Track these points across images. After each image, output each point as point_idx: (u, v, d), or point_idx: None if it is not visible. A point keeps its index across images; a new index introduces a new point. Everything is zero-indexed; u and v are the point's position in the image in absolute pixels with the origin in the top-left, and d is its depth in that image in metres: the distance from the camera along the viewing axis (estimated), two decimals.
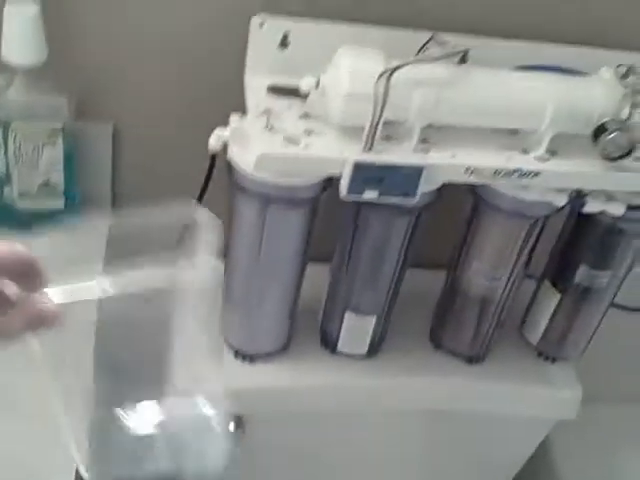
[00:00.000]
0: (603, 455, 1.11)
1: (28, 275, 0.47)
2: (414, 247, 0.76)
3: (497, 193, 0.72)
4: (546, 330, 0.86)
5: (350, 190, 0.63)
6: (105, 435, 0.61)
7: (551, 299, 0.84)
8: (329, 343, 0.82)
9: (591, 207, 0.71)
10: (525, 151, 0.69)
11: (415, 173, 0.62)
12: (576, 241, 0.81)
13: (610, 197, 0.71)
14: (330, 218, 0.75)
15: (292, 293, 0.77)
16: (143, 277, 0.48)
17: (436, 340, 0.86)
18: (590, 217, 0.77)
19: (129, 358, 0.68)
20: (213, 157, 0.72)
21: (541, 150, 0.69)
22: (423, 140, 0.67)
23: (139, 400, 0.61)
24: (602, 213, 0.73)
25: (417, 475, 0.97)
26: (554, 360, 0.88)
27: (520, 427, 0.89)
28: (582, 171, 0.68)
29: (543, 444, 1.09)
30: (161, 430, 0.61)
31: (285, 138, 0.65)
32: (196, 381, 0.61)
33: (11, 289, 0.46)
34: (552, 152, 0.69)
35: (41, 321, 0.47)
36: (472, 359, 0.85)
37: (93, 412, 0.61)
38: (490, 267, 0.78)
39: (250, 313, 0.77)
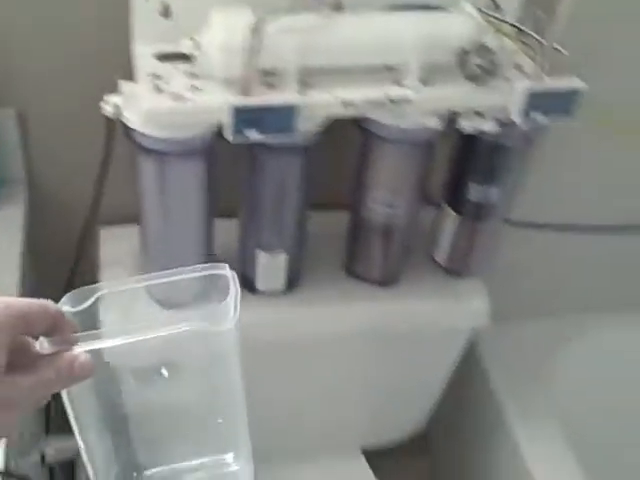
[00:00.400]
0: (530, 363, 1.19)
1: (57, 330, 0.49)
2: (314, 185, 0.83)
3: (380, 125, 0.78)
4: (451, 249, 0.93)
5: (234, 133, 0.68)
6: None
7: (450, 220, 0.91)
8: (248, 284, 0.88)
9: (465, 126, 0.78)
10: (398, 83, 0.75)
11: (290, 111, 0.68)
12: (464, 162, 0.88)
13: (480, 115, 0.78)
14: (235, 169, 0.81)
15: (205, 243, 0.83)
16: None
17: (350, 270, 0.92)
18: (473, 138, 0.84)
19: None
20: (110, 125, 0.77)
21: (413, 80, 0.75)
22: (303, 84, 0.73)
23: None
24: (479, 132, 0.80)
25: (351, 397, 1.04)
26: (462, 276, 0.95)
27: (440, 339, 0.96)
28: (450, 93, 0.75)
29: (473, 359, 1.18)
30: None
31: (172, 95, 0.70)
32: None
33: (43, 345, 0.48)
34: (424, 81, 0.75)
35: (73, 373, 0.48)
36: (385, 283, 0.92)
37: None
38: (387, 195, 0.84)
39: (167, 266, 0.83)
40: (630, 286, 1.26)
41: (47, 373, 0.47)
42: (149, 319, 0.50)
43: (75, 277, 0.94)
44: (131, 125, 0.71)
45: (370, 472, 1.10)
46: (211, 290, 0.57)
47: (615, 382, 1.28)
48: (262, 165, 0.78)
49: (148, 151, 0.73)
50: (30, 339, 0.48)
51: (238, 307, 0.54)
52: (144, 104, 0.68)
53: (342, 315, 0.90)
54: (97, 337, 0.49)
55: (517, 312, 1.23)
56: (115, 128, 0.77)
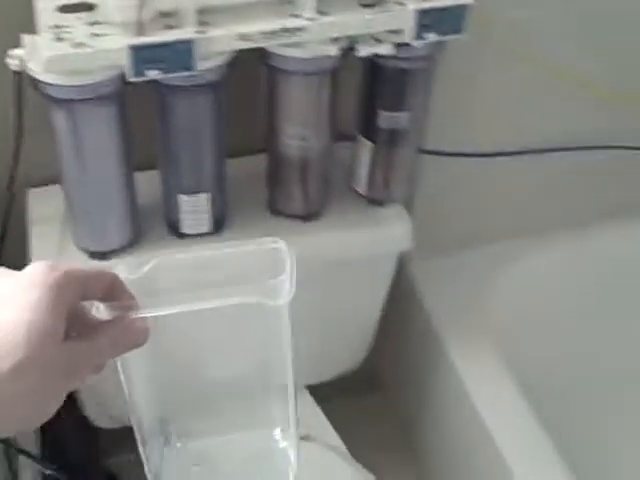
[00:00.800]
0: (465, 291, 1.24)
1: (114, 296, 0.49)
2: (230, 126, 0.85)
3: (282, 57, 0.80)
4: (369, 178, 0.96)
5: (134, 73, 0.71)
6: None
7: (365, 149, 0.94)
8: (174, 228, 0.90)
9: (362, 52, 0.81)
10: (296, 15, 0.78)
11: (187, 47, 0.71)
12: (371, 91, 0.91)
13: (377, 39, 0.81)
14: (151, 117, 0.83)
15: (127, 193, 0.85)
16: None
17: (273, 208, 0.95)
18: (378, 66, 0.87)
19: None
20: (19, 81, 0.78)
21: (309, 10, 0.78)
22: (202, 23, 0.75)
23: None
24: (376, 56, 0.83)
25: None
26: (383, 204, 0.98)
27: (368, 267, 0.99)
28: (344, 20, 0.78)
29: (410, 293, 1.22)
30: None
31: (72, 43, 0.72)
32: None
33: (100, 310, 0.48)
34: (322, 12, 0.78)
35: (130, 339, 0.49)
36: (308, 217, 0.95)
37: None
38: (298, 129, 0.87)
39: (91, 216, 0.85)
40: (554, 208, 1.31)
41: (103, 340, 0.47)
42: (204, 290, 0.50)
43: (5, 241, 0.95)
44: (36, 76, 0.73)
45: (318, 409, 1.13)
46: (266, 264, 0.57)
47: (549, 303, 1.34)
48: (171, 107, 0.80)
49: (57, 101, 0.75)
50: (86, 305, 0.49)
51: (294, 281, 0.54)
52: (45, 53, 0.70)
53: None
54: (152, 305, 0.49)
55: (449, 243, 1.27)
56: (23, 84, 0.78)
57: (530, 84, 1.13)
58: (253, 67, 0.82)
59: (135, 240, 0.89)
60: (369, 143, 0.94)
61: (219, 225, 0.91)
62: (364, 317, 1.09)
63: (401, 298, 1.18)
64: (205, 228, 0.90)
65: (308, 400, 1.13)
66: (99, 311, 0.49)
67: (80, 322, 0.48)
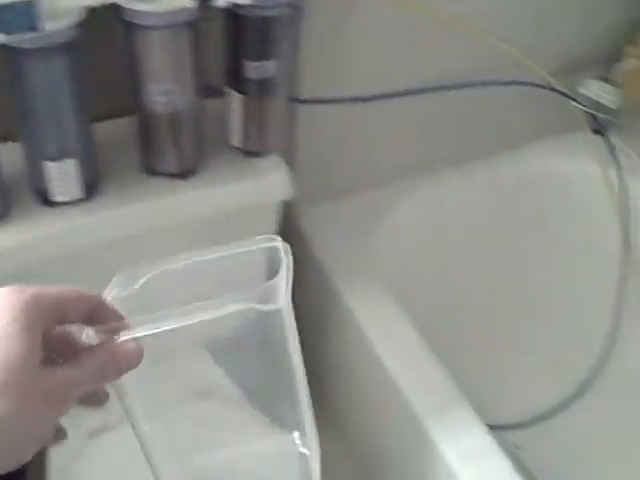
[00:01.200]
0: (356, 235, 1.25)
1: (98, 316, 0.46)
2: (91, 88, 0.82)
3: (137, 12, 0.78)
4: (243, 131, 0.96)
5: None
6: None
7: (236, 102, 0.93)
8: (44, 198, 0.87)
9: (221, 0, 0.80)
10: None
11: (28, 6, 0.67)
12: (236, 42, 0.89)
13: None
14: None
15: None
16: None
17: (148, 168, 0.93)
18: (241, 16, 0.86)
19: None
20: None
21: None
22: None
23: None
24: (240, 7, 0.82)
25: None
26: (261, 156, 0.98)
27: (250, 218, 0.97)
28: None
29: (301, 246, 1.23)
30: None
31: None
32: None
33: (89, 335, 0.45)
34: None
35: (121, 362, 0.45)
36: (185, 175, 0.93)
37: None
38: (162, 85, 0.85)
39: None
40: (435, 147, 1.33)
41: (89, 364, 0.45)
42: (197, 300, 0.48)
43: None
44: None
45: (215, 365, 1.13)
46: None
47: (437, 240, 1.38)
48: (25, 72, 0.77)
49: None
50: (75, 330, 0.46)
51: (290, 283, 0.50)
52: None
53: (147, 213, 0.91)
54: (143, 323, 0.46)
55: (335, 190, 1.28)
56: None
57: (404, 24, 1.14)
58: (110, 26, 0.79)
59: (4, 214, 0.86)
60: (239, 95, 0.92)
61: (91, 191, 0.89)
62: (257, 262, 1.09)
63: (291, 249, 1.18)
64: (76, 194, 0.87)
65: (205, 355, 1.13)
66: (88, 337, 0.46)
67: (69, 348, 0.46)
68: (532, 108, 1.37)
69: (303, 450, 0.63)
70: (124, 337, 0.45)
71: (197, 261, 0.53)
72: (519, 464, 0.99)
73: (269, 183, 0.96)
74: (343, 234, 1.24)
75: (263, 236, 0.54)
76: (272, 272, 0.51)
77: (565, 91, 1.34)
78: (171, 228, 0.94)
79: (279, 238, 0.54)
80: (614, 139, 1.39)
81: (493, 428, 1.02)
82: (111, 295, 0.49)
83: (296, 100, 1.02)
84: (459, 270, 1.40)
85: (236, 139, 0.96)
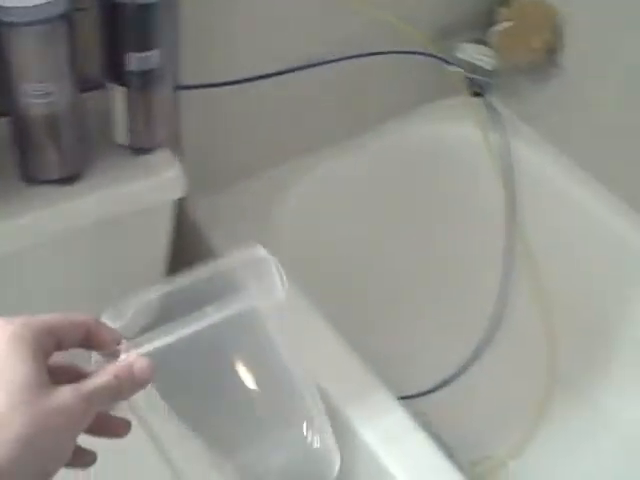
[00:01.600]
0: (253, 221, 1.21)
1: (96, 338, 0.46)
2: None
3: (3, 9, 0.70)
4: (129, 127, 0.89)
5: None
6: None
7: (119, 96, 0.86)
8: None
9: None
10: None
11: None
12: (115, 32, 0.82)
13: None
14: None
15: None
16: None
17: (28, 177, 0.85)
18: (116, 5, 0.79)
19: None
20: None
21: None
22: None
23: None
24: None
25: (77, 293, 0.98)
26: (150, 152, 0.92)
27: (145, 220, 0.92)
28: None
29: (197, 238, 1.18)
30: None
31: None
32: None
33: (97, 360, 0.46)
34: None
35: (134, 379, 0.46)
36: (70, 180, 0.86)
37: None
38: (38, 84, 0.77)
39: None
40: (320, 123, 1.31)
41: (104, 380, 0.45)
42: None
43: None
44: None
45: None
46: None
47: (338, 217, 1.36)
48: None
49: None
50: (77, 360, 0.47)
51: (285, 279, 0.52)
52: None
53: (29, 226, 0.83)
54: (150, 340, 0.47)
55: (228, 176, 1.23)
56: None
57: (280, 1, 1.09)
58: None
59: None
60: (122, 89, 0.85)
61: None
62: (149, 271, 1.03)
63: (188, 245, 1.13)
64: None
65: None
66: (97, 362, 0.47)
67: (67, 378, 0.45)
68: (413, 76, 1.37)
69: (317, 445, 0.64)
70: (132, 355, 0.47)
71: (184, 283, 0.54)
72: (434, 436, 1.00)
73: (162, 181, 0.90)
74: (239, 222, 1.19)
75: (244, 248, 0.56)
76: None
77: (443, 56, 1.34)
78: (56, 239, 0.86)
79: (260, 246, 0.56)
80: (493, 100, 1.41)
81: (403, 399, 1.03)
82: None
83: (182, 87, 0.95)
84: (358, 244, 1.39)
85: (122, 136, 0.90)
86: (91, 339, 0.47)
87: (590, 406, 1.34)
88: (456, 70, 1.36)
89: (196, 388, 0.60)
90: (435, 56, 1.33)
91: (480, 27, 1.37)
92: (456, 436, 1.21)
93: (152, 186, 0.90)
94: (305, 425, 0.64)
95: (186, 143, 1.06)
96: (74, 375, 0.46)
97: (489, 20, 1.36)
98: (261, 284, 0.53)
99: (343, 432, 0.99)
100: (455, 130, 1.43)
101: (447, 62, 1.35)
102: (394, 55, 1.27)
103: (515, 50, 1.33)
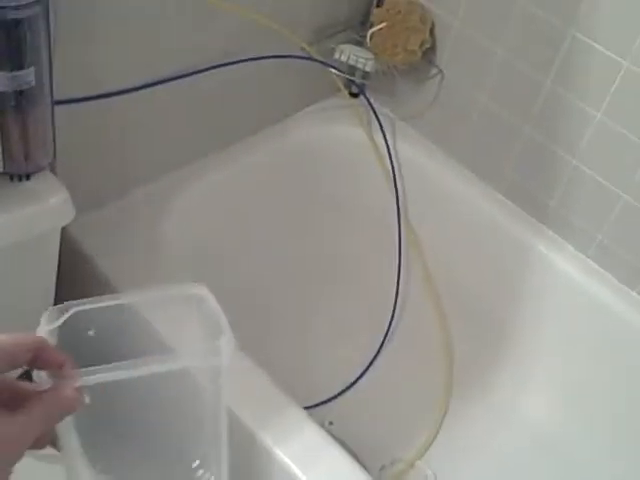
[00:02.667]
0: (137, 236, 1.15)
1: (42, 360, 0.47)
2: None
3: None
4: (5, 152, 0.82)
5: None
6: None
7: None
8: None
9: None
10: None
11: None
12: None
13: None
14: None
15: None
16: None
17: None
18: None
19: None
20: None
21: None
22: None
23: None
24: None
25: None
26: (29, 176, 0.85)
27: (31, 249, 0.86)
28: None
29: (80, 256, 1.11)
30: None
31: None
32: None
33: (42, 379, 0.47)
34: None
35: (63, 408, 0.47)
36: None
37: None
38: None
39: None
40: (203, 131, 1.26)
41: (39, 411, 0.46)
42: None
43: None
44: None
45: None
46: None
47: (228, 222, 1.32)
48: None
49: None
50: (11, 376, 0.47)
51: (231, 337, 0.52)
52: None
53: None
54: (92, 373, 0.48)
55: (108, 193, 1.16)
56: None
57: (154, 9, 1.04)
58: None
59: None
60: None
61: None
62: (38, 302, 0.96)
63: (71, 269, 1.06)
64: None
65: None
66: (40, 378, 0.47)
67: (8, 394, 0.47)
68: (292, 80, 1.35)
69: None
70: (74, 383, 0.48)
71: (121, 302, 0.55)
72: (341, 444, 0.99)
73: (47, 208, 0.84)
74: (123, 239, 1.13)
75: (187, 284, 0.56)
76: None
77: (321, 59, 1.33)
78: None
79: (203, 286, 0.56)
80: (373, 100, 1.42)
81: (307, 408, 1.01)
82: (39, 330, 0.51)
83: (55, 102, 0.89)
84: (246, 255, 1.36)
85: None
86: (38, 360, 0.47)
87: (490, 402, 1.38)
88: (335, 72, 1.35)
89: (113, 427, 0.60)
90: (314, 59, 1.31)
91: (357, 29, 1.37)
92: (363, 442, 1.21)
93: (37, 214, 0.83)
94: (198, 462, 0.64)
95: (60, 161, 0.99)
96: (13, 392, 0.47)
97: (366, 22, 1.36)
98: (207, 338, 0.52)
99: (259, 453, 0.97)
100: (336, 131, 1.43)
101: (326, 64, 1.34)
102: (272, 60, 1.25)
103: (392, 51, 1.33)
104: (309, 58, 1.31)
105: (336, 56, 1.35)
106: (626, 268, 1.25)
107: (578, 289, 1.28)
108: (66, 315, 0.53)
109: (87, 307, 0.54)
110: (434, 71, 1.36)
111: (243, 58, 1.19)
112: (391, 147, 1.40)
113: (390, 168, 1.39)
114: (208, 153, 1.28)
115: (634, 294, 1.25)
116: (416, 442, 1.28)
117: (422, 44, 1.31)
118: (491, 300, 1.39)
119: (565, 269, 1.29)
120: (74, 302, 0.54)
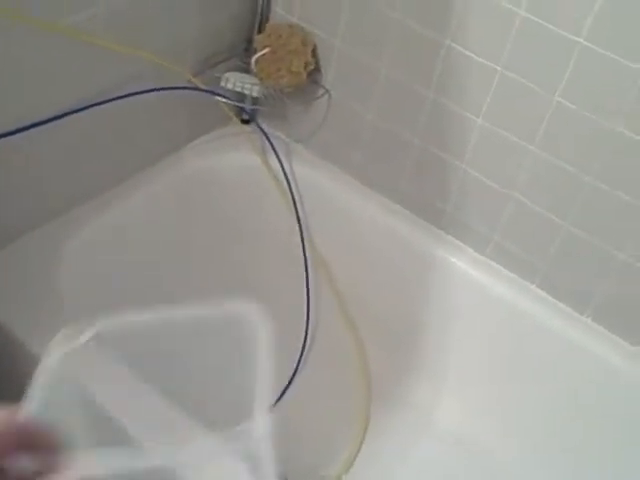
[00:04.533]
0: (32, 284, 1.12)
1: (36, 445, 0.40)
2: None
3: None
4: None
5: None
6: None
7: None
8: None
9: None
10: None
11: None
12: None
13: None
14: None
15: None
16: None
17: None
18: None
19: None
20: None
21: None
22: None
23: None
24: None
25: None
26: None
27: None
28: None
29: None
30: None
31: None
32: None
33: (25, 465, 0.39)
34: None
35: None
36: None
37: None
38: None
39: None
40: (95, 168, 1.24)
41: None
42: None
43: None
44: None
45: None
46: None
47: (125, 259, 1.30)
48: None
49: None
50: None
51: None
52: None
53: None
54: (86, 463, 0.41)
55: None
56: None
57: (37, 48, 1.02)
58: None
59: None
60: None
61: None
62: None
63: None
64: None
65: None
66: (24, 466, 0.40)
67: None
68: (181, 111, 1.35)
69: None
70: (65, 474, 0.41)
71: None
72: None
73: None
74: (20, 286, 1.10)
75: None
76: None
77: (208, 88, 1.34)
78: None
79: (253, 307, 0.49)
80: (264, 126, 1.43)
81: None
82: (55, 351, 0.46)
83: None
84: (155, 285, 1.33)
85: None
86: (28, 444, 0.40)
87: (409, 411, 1.39)
88: (223, 100, 1.36)
89: None
90: (200, 89, 1.32)
91: (242, 56, 1.38)
92: (289, 462, 1.20)
93: None
94: None
95: None
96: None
97: (250, 48, 1.38)
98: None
99: None
100: (231, 159, 1.44)
101: (213, 93, 1.35)
102: (160, 93, 1.24)
103: (276, 74, 1.35)
104: (195, 88, 1.32)
105: (222, 84, 1.36)
106: (522, 264, 1.30)
107: (480, 289, 1.32)
108: (86, 337, 0.48)
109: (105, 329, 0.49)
110: (321, 91, 1.38)
111: (129, 92, 1.19)
112: (287, 170, 1.41)
113: (288, 191, 1.41)
114: (105, 189, 1.26)
115: (533, 287, 1.30)
116: (341, 457, 1.28)
117: (306, 66, 1.34)
118: (400, 310, 1.42)
119: (466, 270, 1.33)
120: (91, 325, 0.49)
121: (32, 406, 0.43)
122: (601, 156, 1.13)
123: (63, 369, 0.46)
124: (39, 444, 0.41)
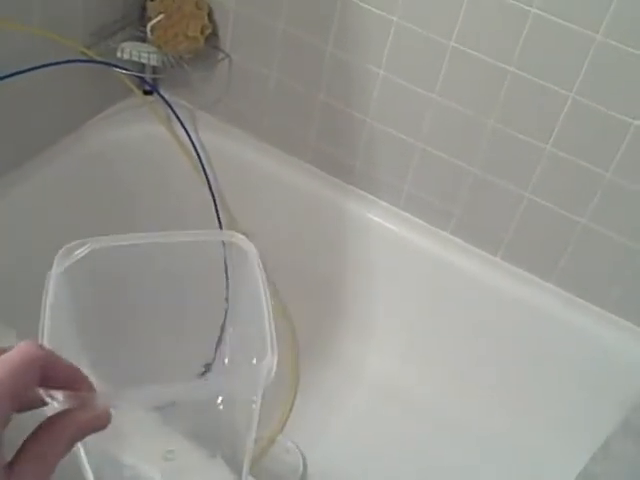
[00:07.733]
0: None
1: (52, 376, 0.39)
2: None
3: None
4: None
5: None
6: None
7: None
8: None
9: None
10: None
11: None
12: None
13: None
14: None
15: None
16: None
17: None
18: None
19: None
20: None
21: None
22: None
23: None
24: None
25: None
26: None
27: None
28: None
29: None
30: None
31: None
32: None
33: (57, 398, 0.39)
34: None
35: (86, 429, 0.40)
36: None
37: None
38: None
39: None
40: None
41: (66, 425, 0.39)
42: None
43: None
44: None
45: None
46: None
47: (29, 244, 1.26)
48: None
49: None
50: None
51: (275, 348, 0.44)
52: None
53: None
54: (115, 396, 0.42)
55: None
56: None
57: None
58: None
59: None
60: None
61: None
62: None
63: None
64: None
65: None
66: (56, 399, 0.40)
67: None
68: (83, 85, 1.32)
69: None
70: (106, 402, 0.41)
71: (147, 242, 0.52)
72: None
73: None
74: None
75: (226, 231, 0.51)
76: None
77: (104, 60, 1.30)
78: None
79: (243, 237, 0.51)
80: (167, 94, 1.40)
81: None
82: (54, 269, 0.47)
83: None
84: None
85: None
86: (50, 378, 0.40)
87: (337, 365, 1.41)
88: (121, 72, 1.32)
89: None
90: (95, 61, 1.28)
91: (137, 24, 1.35)
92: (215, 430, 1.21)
93: None
94: None
95: None
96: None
97: (144, 16, 1.34)
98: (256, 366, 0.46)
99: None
100: (136, 131, 1.40)
101: (110, 65, 1.31)
102: (54, 68, 1.20)
103: (174, 40, 1.32)
104: (89, 61, 1.27)
105: (119, 55, 1.32)
106: (435, 212, 1.32)
107: (396, 240, 1.34)
108: (83, 251, 0.50)
109: (105, 244, 0.51)
110: (221, 56, 1.36)
111: (18, 70, 1.14)
112: (194, 138, 1.39)
113: (197, 158, 1.39)
114: (1, 174, 1.21)
115: (446, 234, 1.33)
116: (274, 418, 1.29)
117: (203, 29, 1.32)
118: (320, 268, 1.42)
119: (381, 223, 1.34)
120: (91, 239, 0.51)
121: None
122: (500, 99, 1.15)
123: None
124: (61, 377, 0.41)
